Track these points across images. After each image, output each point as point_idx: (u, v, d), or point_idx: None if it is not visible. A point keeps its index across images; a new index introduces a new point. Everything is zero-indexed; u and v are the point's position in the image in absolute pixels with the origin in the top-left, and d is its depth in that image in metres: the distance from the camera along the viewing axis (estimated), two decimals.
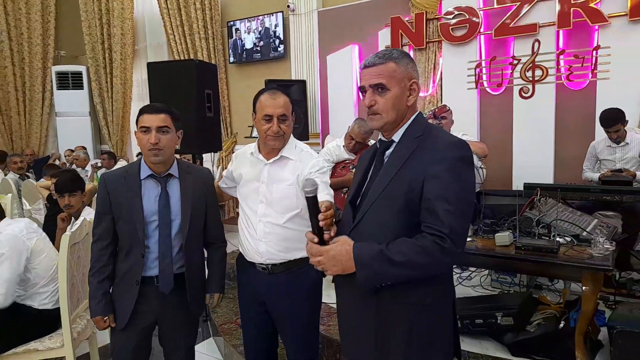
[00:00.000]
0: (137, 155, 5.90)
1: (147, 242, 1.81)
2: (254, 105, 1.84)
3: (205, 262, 2.05)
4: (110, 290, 1.86)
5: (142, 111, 1.81)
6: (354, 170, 3.24)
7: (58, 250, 2.28)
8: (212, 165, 5.86)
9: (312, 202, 1.28)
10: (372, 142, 3.50)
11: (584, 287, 2.13)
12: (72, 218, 2.70)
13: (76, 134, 7.34)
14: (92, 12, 7.23)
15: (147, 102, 7.50)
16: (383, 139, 1.39)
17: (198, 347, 3.13)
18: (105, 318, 1.82)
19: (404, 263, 1.18)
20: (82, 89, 7.48)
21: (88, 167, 6.39)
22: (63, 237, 2.11)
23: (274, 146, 1.83)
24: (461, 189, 1.23)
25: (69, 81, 7.42)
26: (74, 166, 6.47)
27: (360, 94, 1.40)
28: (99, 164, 6.39)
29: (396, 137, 1.36)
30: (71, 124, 7.46)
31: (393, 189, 1.27)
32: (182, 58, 6.47)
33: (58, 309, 2.27)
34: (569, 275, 2.36)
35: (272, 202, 1.83)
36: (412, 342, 1.27)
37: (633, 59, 3.79)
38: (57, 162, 7.04)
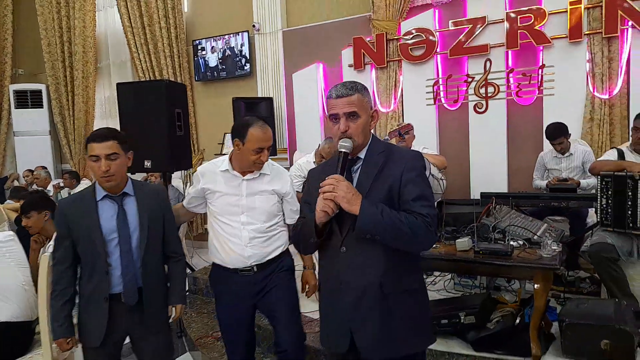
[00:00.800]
0: None
1: (109, 260, 1.88)
2: (243, 135, 2.00)
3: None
4: (73, 312, 1.93)
5: (90, 139, 1.88)
6: None
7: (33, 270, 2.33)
8: (182, 183, 5.88)
9: (343, 158, 1.49)
10: None
11: (535, 285, 2.35)
12: (47, 240, 2.71)
13: (35, 154, 7.16)
14: (52, 30, 7.12)
15: (113, 121, 7.40)
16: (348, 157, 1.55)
17: None
18: (69, 340, 1.90)
19: (403, 230, 1.40)
20: (42, 107, 7.32)
21: (50, 187, 6.26)
22: (42, 258, 2.15)
23: (259, 170, 2.06)
24: (429, 189, 1.54)
25: (27, 99, 7.25)
26: (34, 186, 6.32)
27: (331, 120, 1.54)
28: (61, 184, 6.28)
29: (362, 154, 1.57)
30: (30, 144, 7.27)
31: (371, 195, 1.47)
32: (147, 76, 6.49)
33: (25, 323, 2.31)
34: (522, 275, 2.58)
35: (254, 211, 2.06)
36: (412, 321, 1.51)
37: (574, 76, 4.16)
38: (16, 183, 6.85)
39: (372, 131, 1.61)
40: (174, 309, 2.05)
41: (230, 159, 2.09)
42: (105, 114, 7.26)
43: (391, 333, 1.48)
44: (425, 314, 1.59)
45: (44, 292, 2.15)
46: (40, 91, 7.30)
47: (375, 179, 1.51)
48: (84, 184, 6.37)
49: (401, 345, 1.50)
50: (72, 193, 5.87)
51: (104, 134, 1.89)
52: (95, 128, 7.20)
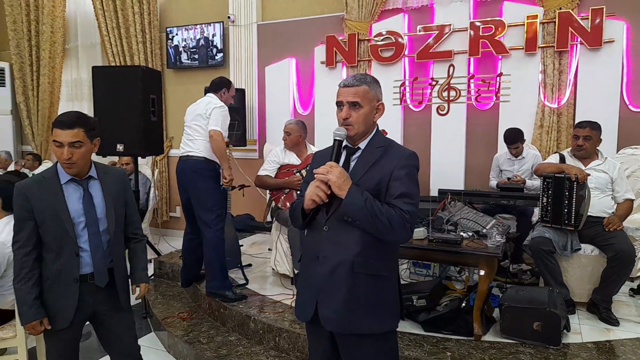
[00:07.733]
0: None
1: (79, 242, 1.88)
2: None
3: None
4: (37, 294, 1.87)
5: (55, 124, 1.83)
6: (297, 174, 3.61)
7: None
8: (150, 169, 5.90)
9: (337, 146, 1.64)
10: (309, 145, 3.88)
11: (480, 271, 2.61)
12: None
13: None
14: (19, 7, 6.92)
15: (79, 103, 7.27)
16: (349, 145, 1.71)
17: (140, 341, 3.28)
18: (41, 321, 1.87)
19: (381, 220, 1.52)
20: (4, 86, 7.13)
21: (11, 168, 6.14)
22: None
23: None
24: (416, 188, 1.63)
25: None
26: None
27: (337, 106, 1.69)
28: (23, 164, 6.18)
29: (362, 145, 1.69)
30: None
31: (362, 184, 1.59)
32: (117, 60, 6.45)
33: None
34: (469, 262, 2.84)
35: None
36: (376, 303, 1.62)
37: (528, 85, 4.49)
38: None
39: (376, 125, 1.72)
40: (138, 288, 2.11)
41: None
42: (72, 96, 7.13)
43: (350, 310, 1.59)
44: (389, 300, 1.67)
45: None
46: (3, 69, 7.10)
47: (369, 170, 1.63)
48: (45, 165, 6.28)
49: (358, 323, 1.60)
50: (33, 174, 5.78)
51: (70, 121, 1.83)
52: (60, 110, 7.09)
